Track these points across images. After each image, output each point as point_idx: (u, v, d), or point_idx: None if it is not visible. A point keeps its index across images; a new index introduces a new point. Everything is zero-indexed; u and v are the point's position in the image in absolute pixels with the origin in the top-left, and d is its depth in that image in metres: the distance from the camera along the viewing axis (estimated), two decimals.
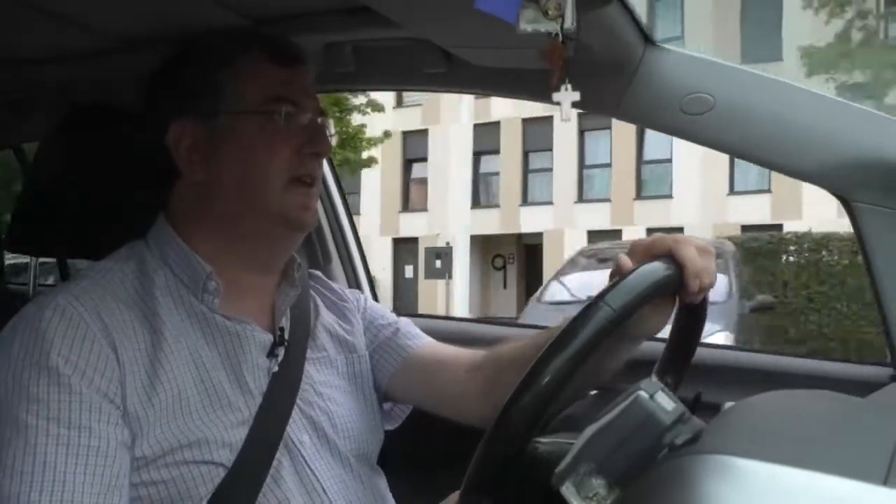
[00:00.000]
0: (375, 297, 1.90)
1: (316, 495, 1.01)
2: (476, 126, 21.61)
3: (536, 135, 22.08)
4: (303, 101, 1.05)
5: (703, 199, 19.58)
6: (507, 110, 21.89)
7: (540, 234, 21.39)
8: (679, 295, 0.97)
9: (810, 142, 1.14)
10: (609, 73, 1.18)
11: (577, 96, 0.90)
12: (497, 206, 22.93)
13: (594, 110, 1.25)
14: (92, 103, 1.30)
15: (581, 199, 21.89)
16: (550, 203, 22.10)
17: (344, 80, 1.43)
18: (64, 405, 0.87)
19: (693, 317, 1.02)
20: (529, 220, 22.15)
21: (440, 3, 1.03)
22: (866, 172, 1.12)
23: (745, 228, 16.77)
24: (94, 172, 1.21)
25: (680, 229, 18.11)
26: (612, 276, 0.95)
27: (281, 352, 1.05)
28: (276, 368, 1.03)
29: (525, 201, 22.67)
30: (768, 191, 19.01)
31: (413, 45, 1.28)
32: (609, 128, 20.69)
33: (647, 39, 1.18)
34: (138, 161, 1.09)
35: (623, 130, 20.40)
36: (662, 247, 0.95)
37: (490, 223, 22.28)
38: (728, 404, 0.88)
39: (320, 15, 1.24)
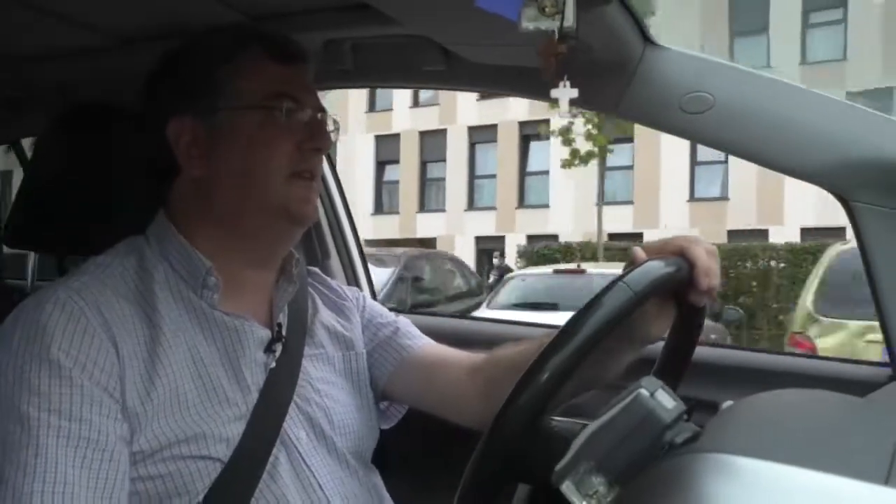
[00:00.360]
0: (374, 295, 1.90)
1: (312, 491, 1.02)
2: (378, 137, 24.11)
3: (433, 146, 23.88)
4: (303, 97, 1.05)
5: (575, 208, 21.21)
6: (406, 123, 23.85)
7: (434, 240, 22.70)
8: (686, 293, 0.99)
9: (809, 141, 1.14)
10: (609, 71, 1.18)
11: (574, 93, 0.90)
12: (397, 212, 24.61)
13: (595, 109, 1.25)
14: (91, 100, 1.30)
15: (470, 207, 23.71)
16: (444, 210, 23.89)
17: (343, 77, 1.43)
18: (65, 397, 0.87)
19: (692, 319, 1.03)
20: (425, 226, 23.79)
21: (440, 1, 1.03)
22: (865, 172, 1.12)
23: (611, 237, 18.58)
24: (92, 169, 1.21)
25: (555, 236, 20.14)
26: (626, 267, 0.97)
27: (278, 347, 1.05)
28: (273, 364, 1.03)
29: (422, 208, 24.50)
30: (631, 202, 20.83)
31: (412, 42, 1.27)
32: (495, 141, 22.72)
33: (647, 38, 1.17)
34: (137, 158, 1.08)
35: (508, 144, 22.40)
36: (674, 245, 0.99)
37: (391, 228, 23.79)
38: (727, 403, 0.88)
39: (319, 12, 1.24)
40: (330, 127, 1.09)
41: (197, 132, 1.02)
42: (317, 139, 1.05)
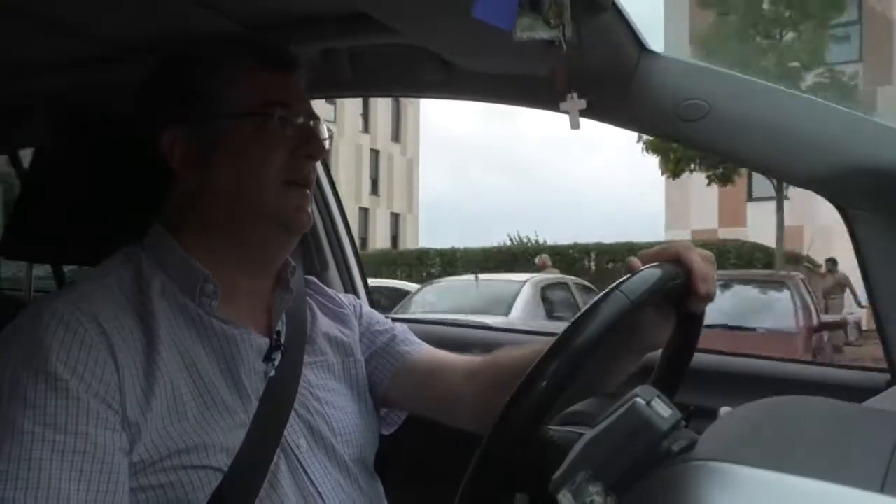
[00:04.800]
0: (371, 305, 1.90)
1: (312, 499, 1.01)
2: None
3: None
4: (295, 105, 1.06)
5: None
6: None
7: None
8: (685, 301, 0.99)
9: (806, 148, 1.14)
10: (605, 80, 1.18)
11: (583, 104, 0.90)
12: None
13: (591, 117, 1.25)
14: (88, 110, 1.30)
15: None
16: None
17: (341, 86, 1.43)
18: (61, 410, 0.86)
19: (690, 327, 1.03)
20: None
21: (437, 11, 1.03)
22: (862, 179, 1.12)
23: None
24: (89, 179, 1.21)
25: None
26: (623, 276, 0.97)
27: (277, 356, 1.05)
28: (272, 372, 1.03)
29: None
30: None
31: (410, 51, 1.28)
32: None
33: (643, 46, 1.18)
34: (133, 168, 1.09)
35: None
36: (670, 252, 0.98)
37: None
38: (724, 410, 0.88)
39: (317, 21, 1.24)
40: (324, 134, 1.10)
41: (190, 142, 1.03)
42: (309, 146, 1.05)
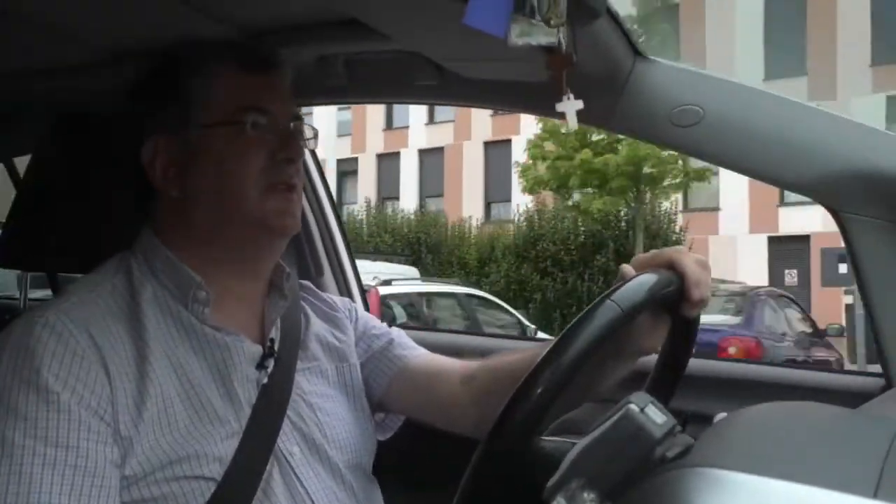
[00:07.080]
0: (367, 308, 1.90)
1: None
2: None
3: None
4: (274, 108, 1.05)
5: None
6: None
7: None
8: (679, 306, 0.98)
9: (799, 153, 1.15)
10: (600, 85, 1.19)
11: (580, 104, 0.90)
12: None
13: (585, 123, 1.25)
14: (82, 117, 1.30)
15: None
16: None
17: (337, 93, 1.43)
18: (52, 423, 0.86)
19: (685, 332, 1.03)
20: None
21: (430, 17, 1.03)
22: (855, 184, 1.12)
23: None
24: (83, 187, 1.21)
25: None
26: (616, 282, 0.96)
27: (270, 363, 1.04)
28: (265, 380, 1.03)
29: None
30: None
31: (405, 57, 1.28)
32: None
33: (637, 52, 1.18)
34: (126, 174, 1.09)
35: None
36: (663, 258, 0.98)
37: None
38: (719, 416, 0.88)
39: (312, 28, 1.24)
40: (308, 135, 1.09)
41: (171, 151, 1.03)
42: (287, 149, 1.04)
